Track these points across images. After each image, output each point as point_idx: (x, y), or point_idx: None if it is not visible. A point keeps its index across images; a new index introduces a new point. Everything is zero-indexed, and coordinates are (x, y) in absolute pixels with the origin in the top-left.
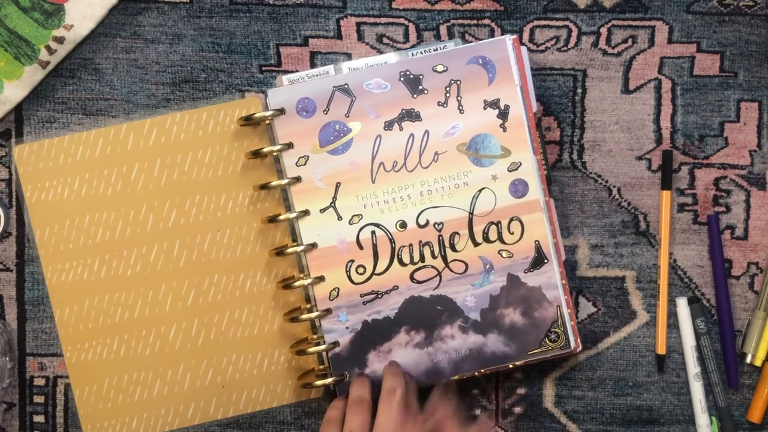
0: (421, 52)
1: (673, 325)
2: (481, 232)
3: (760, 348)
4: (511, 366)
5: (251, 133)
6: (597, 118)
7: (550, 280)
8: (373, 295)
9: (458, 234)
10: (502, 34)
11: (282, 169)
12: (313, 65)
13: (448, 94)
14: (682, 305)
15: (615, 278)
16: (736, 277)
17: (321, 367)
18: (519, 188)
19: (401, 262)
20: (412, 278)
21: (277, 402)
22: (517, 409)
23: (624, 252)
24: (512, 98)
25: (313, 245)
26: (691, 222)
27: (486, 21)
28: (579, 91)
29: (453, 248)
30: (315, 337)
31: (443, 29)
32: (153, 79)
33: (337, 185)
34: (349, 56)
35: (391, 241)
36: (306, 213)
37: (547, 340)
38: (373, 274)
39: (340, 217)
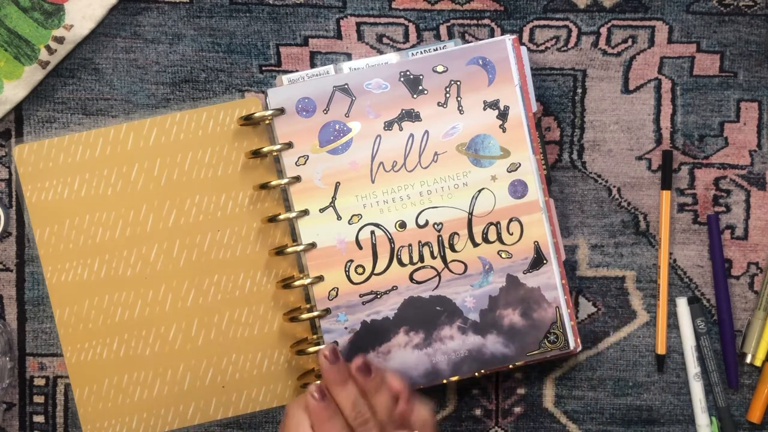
0: (421, 52)
1: (673, 325)
2: (481, 232)
3: (760, 348)
4: (510, 366)
5: (251, 132)
6: (597, 118)
7: (549, 280)
8: (372, 296)
9: (457, 234)
10: (502, 34)
11: (282, 168)
12: (313, 65)
13: (447, 95)
14: (682, 305)
15: (615, 278)
16: (736, 277)
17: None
18: (518, 189)
19: (400, 263)
20: (411, 278)
21: (277, 402)
22: (517, 409)
23: (624, 252)
24: (512, 99)
25: (313, 245)
26: (691, 222)
27: (486, 21)
28: (579, 91)
29: (452, 249)
30: (315, 337)
31: (443, 29)
32: (153, 79)
33: (337, 185)
34: (349, 56)
35: (391, 241)
36: (305, 213)
37: (546, 341)
38: (372, 274)
39: (339, 217)
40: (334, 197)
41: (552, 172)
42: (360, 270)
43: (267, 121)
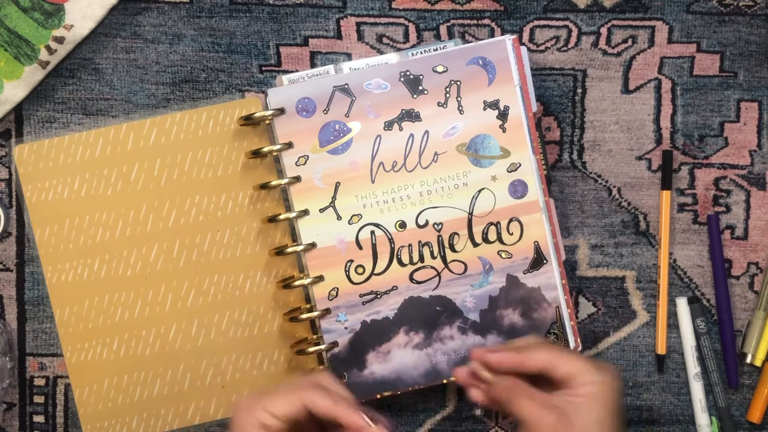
0: (421, 52)
1: (673, 325)
2: (481, 232)
3: (760, 348)
4: None
5: (251, 133)
6: (597, 118)
7: (549, 280)
8: (372, 296)
9: (457, 234)
10: (502, 34)
11: (282, 168)
12: (313, 65)
13: (448, 95)
14: (682, 305)
15: (615, 278)
16: (736, 277)
17: (321, 367)
18: (518, 189)
19: (400, 263)
20: (411, 278)
21: None
22: None
23: (624, 252)
24: (512, 99)
25: (313, 245)
26: (691, 222)
27: (486, 21)
28: (579, 91)
29: (452, 249)
30: (315, 337)
31: (443, 29)
32: (153, 79)
33: (337, 185)
34: (349, 56)
35: (391, 241)
36: (305, 213)
37: None
38: (372, 274)
39: (339, 217)
40: (334, 197)
41: (552, 172)
42: (360, 270)
43: (267, 121)
